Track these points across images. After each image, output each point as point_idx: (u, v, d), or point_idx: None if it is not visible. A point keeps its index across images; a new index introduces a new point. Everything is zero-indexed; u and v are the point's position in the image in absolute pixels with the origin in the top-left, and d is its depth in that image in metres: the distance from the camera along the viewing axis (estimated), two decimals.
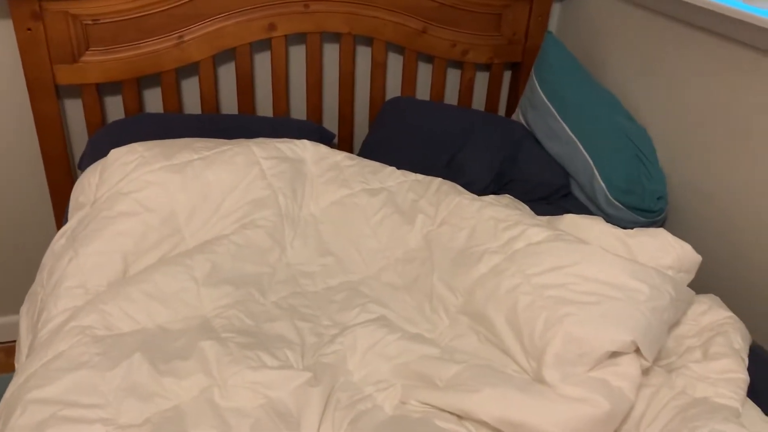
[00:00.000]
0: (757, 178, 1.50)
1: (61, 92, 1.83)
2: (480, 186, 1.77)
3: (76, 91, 1.84)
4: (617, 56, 1.91)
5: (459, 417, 1.08)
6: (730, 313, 1.28)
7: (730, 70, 1.54)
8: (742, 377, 1.15)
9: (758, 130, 1.48)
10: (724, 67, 1.55)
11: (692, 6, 1.58)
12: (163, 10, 1.75)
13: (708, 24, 1.56)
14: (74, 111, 1.87)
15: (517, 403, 1.03)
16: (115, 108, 1.90)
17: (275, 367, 1.15)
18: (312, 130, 1.85)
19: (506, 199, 1.59)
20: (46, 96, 1.72)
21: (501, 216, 1.40)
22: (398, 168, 1.67)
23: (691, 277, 1.34)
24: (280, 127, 1.83)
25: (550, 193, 1.83)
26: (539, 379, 1.11)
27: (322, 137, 1.87)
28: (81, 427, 1.02)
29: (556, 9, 2.16)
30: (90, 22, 1.71)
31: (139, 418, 1.05)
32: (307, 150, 1.64)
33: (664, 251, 1.31)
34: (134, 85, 1.82)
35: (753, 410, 1.12)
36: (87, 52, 1.74)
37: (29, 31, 1.65)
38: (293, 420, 1.07)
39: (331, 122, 2.11)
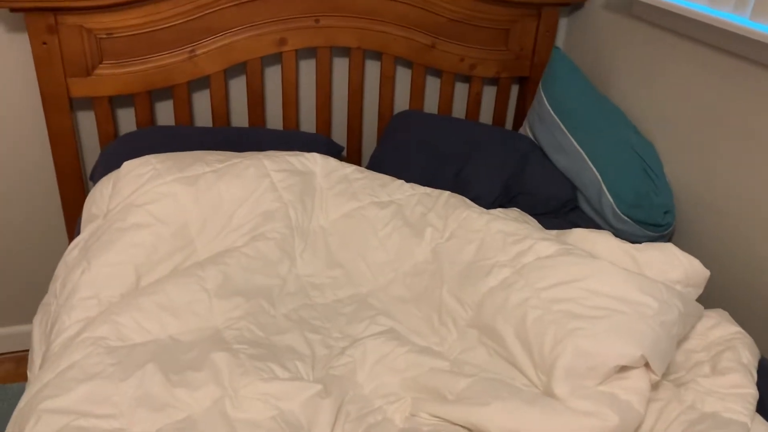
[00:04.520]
0: (764, 190, 1.51)
1: (73, 104, 1.85)
2: (488, 199, 1.78)
3: (88, 103, 1.86)
4: (623, 70, 1.93)
5: (469, 430, 1.08)
6: (738, 328, 1.29)
7: (735, 84, 1.55)
8: (752, 392, 1.15)
9: (763, 143, 1.49)
10: (728, 80, 1.56)
11: (694, 21, 1.60)
12: (175, 25, 1.78)
13: (710, 39, 1.57)
14: (86, 123, 1.89)
15: (526, 416, 1.03)
16: (127, 120, 1.93)
17: (286, 378, 1.16)
18: (321, 143, 1.87)
19: (514, 212, 1.60)
20: (60, 109, 1.75)
21: (509, 230, 1.41)
22: (407, 181, 1.68)
23: (699, 291, 1.34)
24: (290, 140, 1.84)
25: (558, 207, 1.84)
26: (549, 393, 1.11)
27: (331, 150, 1.88)
28: None
29: (563, 24, 2.17)
30: (104, 36, 1.73)
31: (151, 428, 1.06)
32: (316, 163, 1.65)
33: (672, 266, 1.32)
34: (146, 98, 1.84)
35: (762, 426, 1.12)
36: (100, 65, 1.76)
37: (44, 45, 1.67)
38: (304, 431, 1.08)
39: (340, 135, 2.12)
